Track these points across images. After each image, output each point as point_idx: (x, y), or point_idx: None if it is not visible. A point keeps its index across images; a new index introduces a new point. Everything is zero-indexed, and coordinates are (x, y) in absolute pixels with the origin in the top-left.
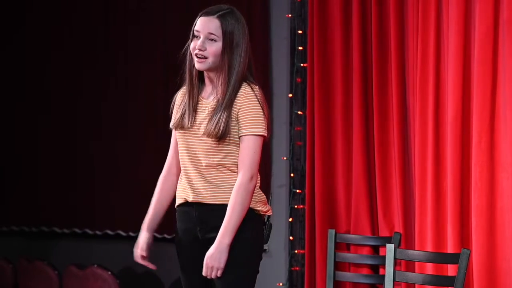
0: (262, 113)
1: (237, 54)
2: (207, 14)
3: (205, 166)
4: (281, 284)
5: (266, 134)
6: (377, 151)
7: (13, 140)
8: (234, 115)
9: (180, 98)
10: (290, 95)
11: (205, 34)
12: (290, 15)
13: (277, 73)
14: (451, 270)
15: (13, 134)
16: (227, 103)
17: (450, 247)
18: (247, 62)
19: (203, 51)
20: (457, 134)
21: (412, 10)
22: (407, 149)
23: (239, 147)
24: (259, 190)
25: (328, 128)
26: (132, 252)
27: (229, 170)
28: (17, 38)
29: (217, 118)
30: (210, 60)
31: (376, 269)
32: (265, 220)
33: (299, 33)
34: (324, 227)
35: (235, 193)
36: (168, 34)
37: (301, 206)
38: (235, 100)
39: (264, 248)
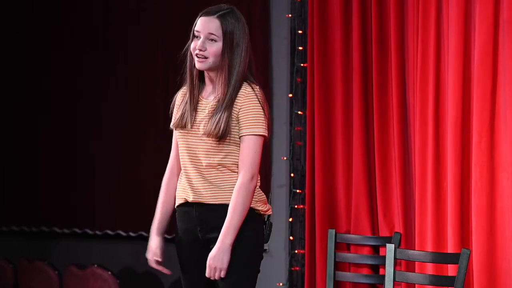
0: (262, 113)
1: (237, 54)
2: (207, 14)
3: (205, 166)
4: (281, 284)
5: (266, 134)
6: (377, 151)
7: (13, 140)
8: (235, 115)
9: (180, 98)
10: (290, 95)
11: (205, 34)
12: (290, 15)
13: (277, 73)
14: (451, 270)
15: (13, 134)
16: (227, 103)
17: (450, 247)
18: (248, 62)
19: (203, 51)
20: (457, 134)
21: (412, 10)
22: (407, 149)
23: (239, 147)
24: (259, 189)
25: (328, 128)
26: (132, 252)
27: (229, 170)
28: (17, 38)
29: (218, 118)
30: (210, 60)
31: (376, 269)
32: (265, 220)
33: (299, 33)
34: (324, 227)
35: (236, 193)
36: (168, 34)
37: (301, 206)
38: (236, 100)
39: (265, 248)
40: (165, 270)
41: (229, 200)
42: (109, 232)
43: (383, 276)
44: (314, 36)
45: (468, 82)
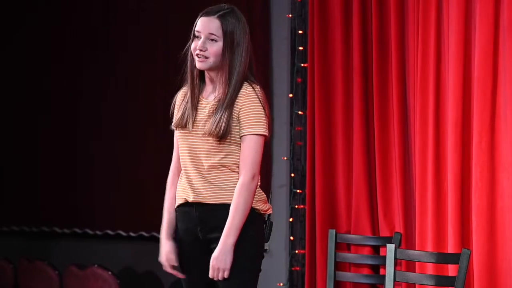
0: (263, 113)
1: (238, 53)
2: (207, 14)
3: (206, 165)
4: (281, 284)
5: (267, 134)
6: (377, 151)
7: (13, 140)
8: (235, 114)
9: (180, 98)
10: (291, 95)
11: (205, 35)
12: (290, 15)
13: (278, 73)
14: (451, 270)
15: (13, 134)
16: (228, 103)
17: (451, 247)
18: (248, 62)
19: (204, 51)
20: (458, 134)
21: (412, 10)
22: (408, 149)
23: (240, 146)
24: (259, 189)
25: (328, 128)
26: (132, 252)
27: (230, 170)
28: (17, 38)
29: (218, 117)
30: (211, 60)
31: (376, 269)
32: (266, 219)
33: (300, 33)
34: (325, 227)
35: (237, 193)
36: (168, 34)
37: (302, 206)
38: (236, 100)
39: (265, 248)
40: (179, 275)
41: (230, 200)
42: (110, 232)
43: (384, 276)
44: (315, 36)
45: (468, 82)
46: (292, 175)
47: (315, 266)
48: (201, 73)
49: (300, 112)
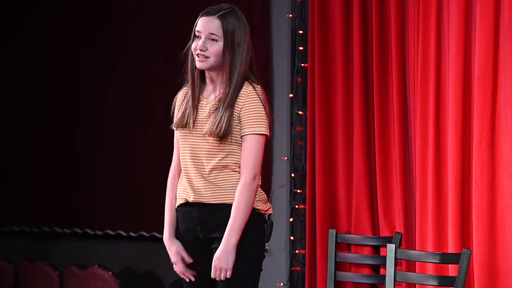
0: (264, 112)
1: (238, 53)
2: (207, 14)
3: (206, 165)
4: (281, 284)
5: (268, 133)
6: (377, 151)
7: (13, 140)
8: (236, 114)
9: (181, 98)
10: (291, 95)
11: (206, 34)
12: (290, 15)
13: (278, 73)
14: (452, 270)
15: (13, 134)
16: (229, 102)
17: (451, 247)
18: (249, 62)
19: (204, 51)
20: (458, 134)
21: (412, 10)
22: (408, 149)
23: (241, 146)
24: (260, 189)
25: (328, 128)
26: (133, 252)
27: (231, 169)
28: (17, 38)
29: (219, 117)
30: (211, 59)
31: (377, 269)
32: (266, 219)
33: (300, 33)
34: (325, 227)
35: (239, 193)
36: (168, 34)
37: (302, 206)
38: (237, 100)
39: (266, 247)
40: (191, 276)
41: (230, 200)
42: (110, 232)
43: (384, 276)
44: (315, 36)
45: (468, 82)
46: (293, 175)
47: (316, 266)
48: (202, 73)
49: (300, 112)
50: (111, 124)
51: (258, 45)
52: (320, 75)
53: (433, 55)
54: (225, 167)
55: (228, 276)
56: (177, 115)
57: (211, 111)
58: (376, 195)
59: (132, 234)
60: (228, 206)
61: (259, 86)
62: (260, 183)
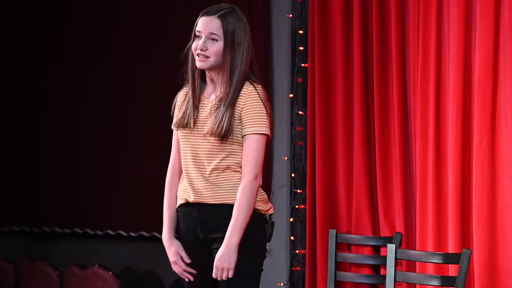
0: (265, 112)
1: (239, 53)
2: (208, 13)
3: (207, 166)
4: (282, 284)
5: (269, 133)
6: (378, 151)
7: (13, 140)
8: (237, 114)
9: (181, 98)
10: (291, 95)
11: (206, 34)
12: (291, 15)
13: (278, 73)
14: (452, 270)
15: (13, 134)
16: (229, 102)
17: (451, 247)
18: (249, 61)
19: (204, 51)
20: (458, 134)
21: (413, 10)
22: (408, 149)
23: (242, 146)
24: (260, 189)
25: (329, 128)
26: (133, 252)
27: (231, 169)
28: (17, 38)
29: (220, 117)
30: (212, 59)
31: (377, 269)
32: (267, 219)
33: (300, 33)
34: (325, 227)
35: (240, 193)
36: (168, 34)
37: (302, 206)
38: (238, 99)
39: (266, 248)
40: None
41: (230, 200)
42: (110, 232)
43: (384, 276)
44: (315, 36)
45: (469, 82)
46: (293, 175)
47: (316, 266)
48: (202, 72)
49: (300, 112)
50: (111, 124)
51: (258, 45)
52: (320, 75)
53: (433, 55)
54: (227, 168)
55: (230, 276)
56: (177, 115)
57: (212, 111)
58: (376, 195)
59: (132, 234)
60: (229, 207)
61: (259, 86)
62: (261, 183)
